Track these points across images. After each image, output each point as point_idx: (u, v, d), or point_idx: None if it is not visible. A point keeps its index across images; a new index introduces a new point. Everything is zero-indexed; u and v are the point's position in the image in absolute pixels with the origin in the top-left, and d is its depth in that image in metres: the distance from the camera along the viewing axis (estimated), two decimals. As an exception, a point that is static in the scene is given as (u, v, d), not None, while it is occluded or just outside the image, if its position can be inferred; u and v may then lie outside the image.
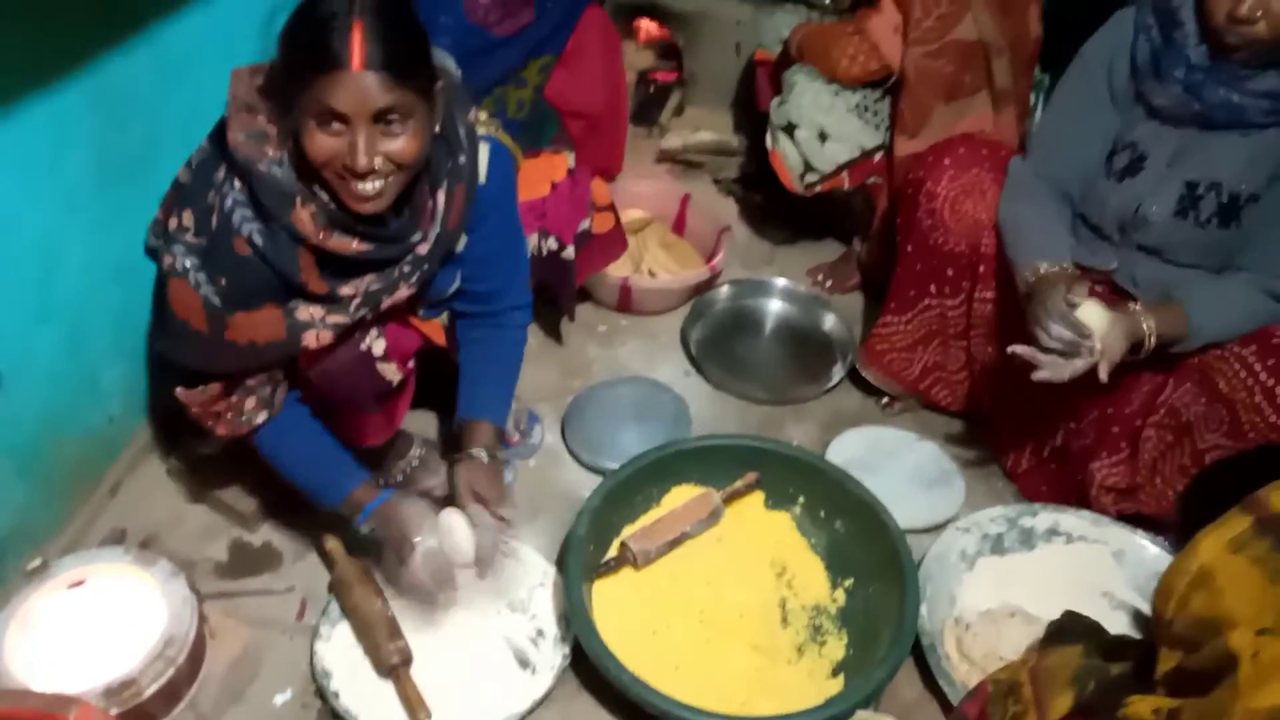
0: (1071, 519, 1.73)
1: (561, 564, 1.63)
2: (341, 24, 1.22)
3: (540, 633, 1.59)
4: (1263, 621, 0.80)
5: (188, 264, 1.34)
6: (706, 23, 2.68)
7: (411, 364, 1.60)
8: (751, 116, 2.48)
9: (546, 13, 2.07)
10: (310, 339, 1.40)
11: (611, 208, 2.03)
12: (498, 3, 1.98)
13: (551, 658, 1.55)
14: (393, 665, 1.49)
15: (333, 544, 1.65)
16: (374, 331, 1.50)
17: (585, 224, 1.93)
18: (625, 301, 2.24)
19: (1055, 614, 1.49)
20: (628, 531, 1.69)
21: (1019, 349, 1.58)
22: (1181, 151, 1.62)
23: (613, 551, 1.68)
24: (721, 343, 2.22)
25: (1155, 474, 1.73)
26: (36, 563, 1.52)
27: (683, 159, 2.69)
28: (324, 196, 1.33)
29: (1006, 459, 1.93)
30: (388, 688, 1.50)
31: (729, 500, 1.74)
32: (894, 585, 1.57)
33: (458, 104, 1.44)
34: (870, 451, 1.94)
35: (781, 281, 2.34)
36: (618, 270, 2.27)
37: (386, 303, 1.45)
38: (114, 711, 1.36)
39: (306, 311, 1.39)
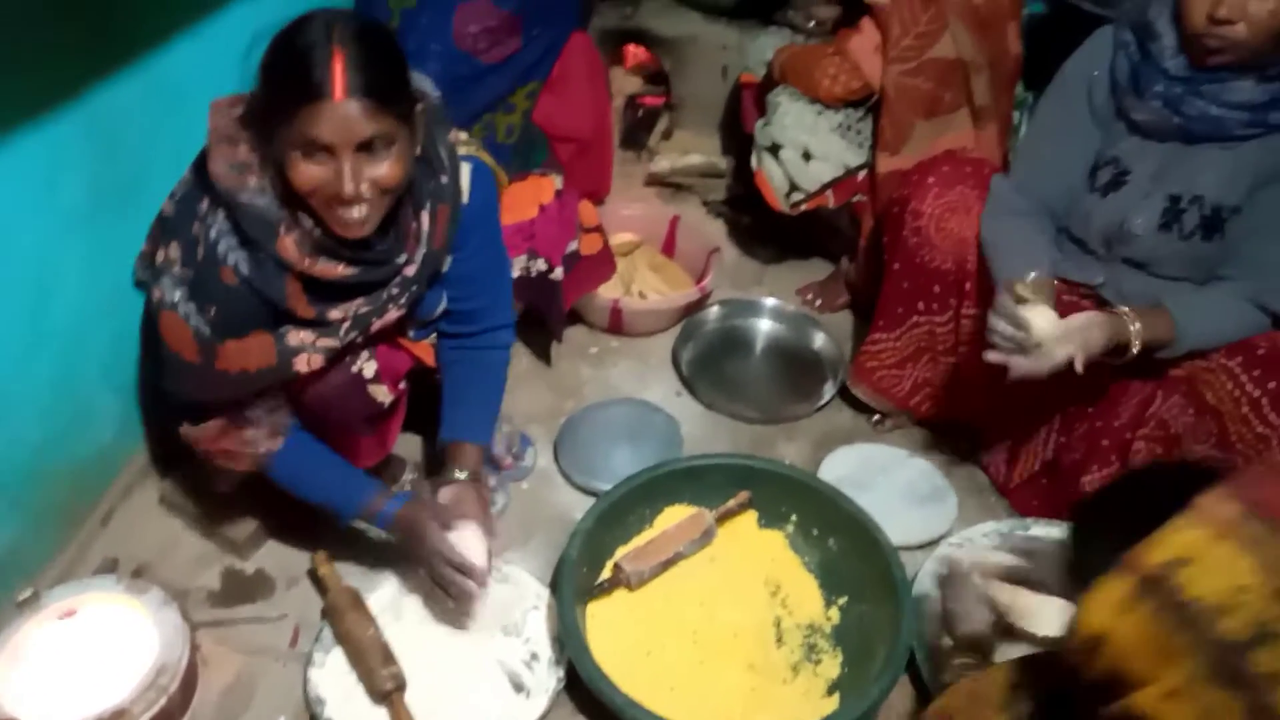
0: (1064, 533, 1.73)
1: (555, 586, 1.62)
2: (322, 54, 1.23)
3: (534, 656, 1.59)
4: (1167, 687, 0.79)
5: (176, 296, 1.35)
6: (693, 47, 2.71)
7: (403, 385, 1.61)
8: (739, 139, 2.51)
9: (533, 40, 2.10)
10: (301, 364, 1.40)
11: (599, 229, 2.04)
12: (486, 31, 2.01)
13: (546, 681, 1.55)
14: (387, 691, 1.48)
15: (325, 570, 1.64)
16: (365, 354, 1.51)
17: (573, 245, 1.94)
18: (616, 323, 2.25)
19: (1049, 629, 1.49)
20: (621, 553, 1.69)
21: (991, 354, 1.59)
22: (1164, 166, 1.63)
23: (606, 573, 1.68)
24: (712, 363, 2.23)
25: (1145, 486, 1.74)
26: (27, 593, 1.51)
27: (671, 182, 2.71)
28: (308, 223, 1.34)
29: (998, 474, 1.94)
30: (382, 714, 1.49)
31: (722, 520, 1.74)
32: (888, 603, 1.57)
33: (438, 125, 1.45)
34: (862, 469, 1.94)
35: (771, 301, 2.35)
36: (608, 292, 2.28)
37: (376, 325, 1.45)
38: (106, 742, 1.35)
39: (297, 336, 1.40)
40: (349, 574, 1.66)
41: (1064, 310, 1.60)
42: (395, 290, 1.45)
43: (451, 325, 1.65)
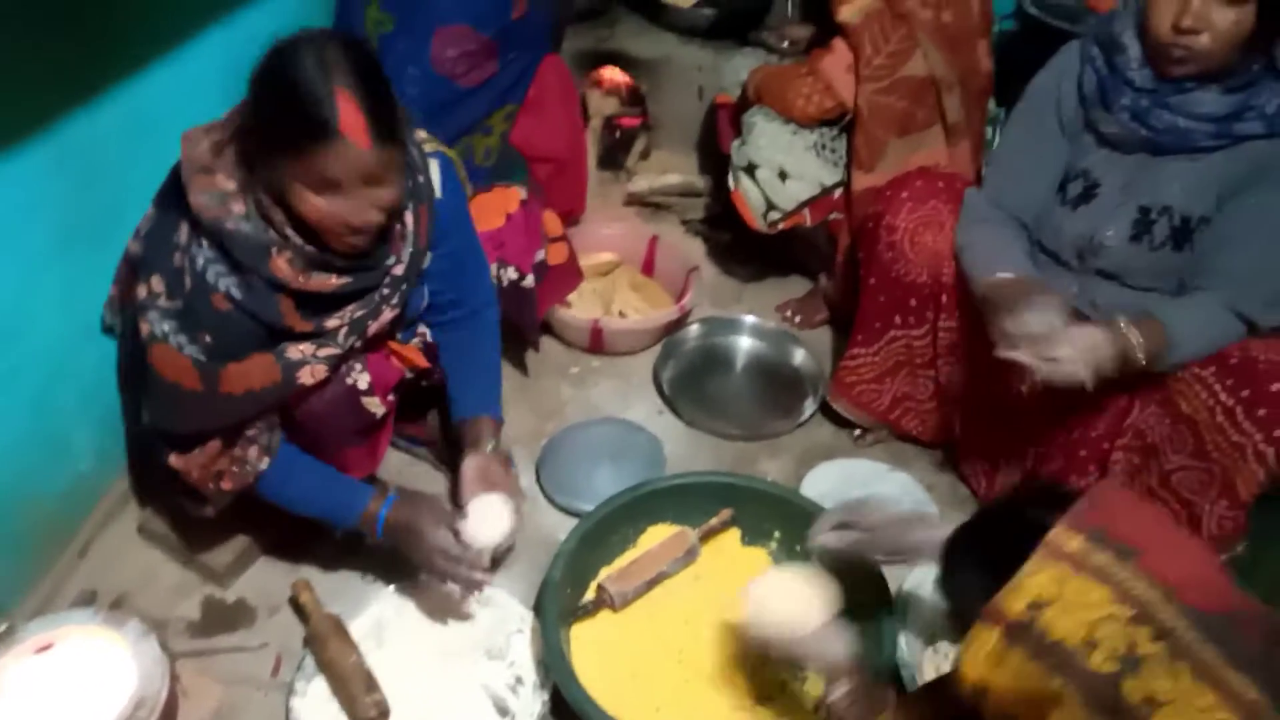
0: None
1: (539, 609, 1.61)
2: (326, 93, 1.25)
3: (519, 680, 1.58)
4: None
5: (166, 328, 1.36)
6: (668, 68, 2.73)
7: (392, 398, 1.62)
8: (716, 158, 2.52)
9: (510, 63, 2.11)
10: (305, 376, 1.42)
11: (564, 238, 2.08)
12: (464, 55, 2.02)
13: (531, 704, 1.54)
14: (370, 719, 1.47)
15: (306, 597, 1.63)
16: (358, 366, 1.53)
17: (541, 255, 1.97)
18: (597, 343, 2.25)
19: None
20: (604, 573, 1.69)
21: (1012, 354, 1.55)
22: (1133, 178, 1.65)
23: (590, 594, 1.67)
24: (693, 381, 2.24)
25: (1124, 496, 1.75)
26: (3, 627, 1.49)
27: (650, 201, 2.72)
28: (298, 241, 1.36)
29: (978, 486, 1.95)
30: (365, 741, 1.47)
31: (705, 538, 1.74)
32: (872, 618, 1.56)
33: (410, 127, 1.47)
34: (844, 484, 1.95)
35: (751, 318, 2.36)
36: (588, 312, 2.29)
37: (372, 328, 1.48)
38: (84, 777, 1.33)
39: (297, 350, 1.42)
40: (330, 601, 1.64)
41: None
42: (386, 290, 1.48)
43: (438, 315, 1.69)
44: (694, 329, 2.33)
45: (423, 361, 1.64)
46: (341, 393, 1.51)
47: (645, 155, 2.83)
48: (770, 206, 2.10)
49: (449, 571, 1.54)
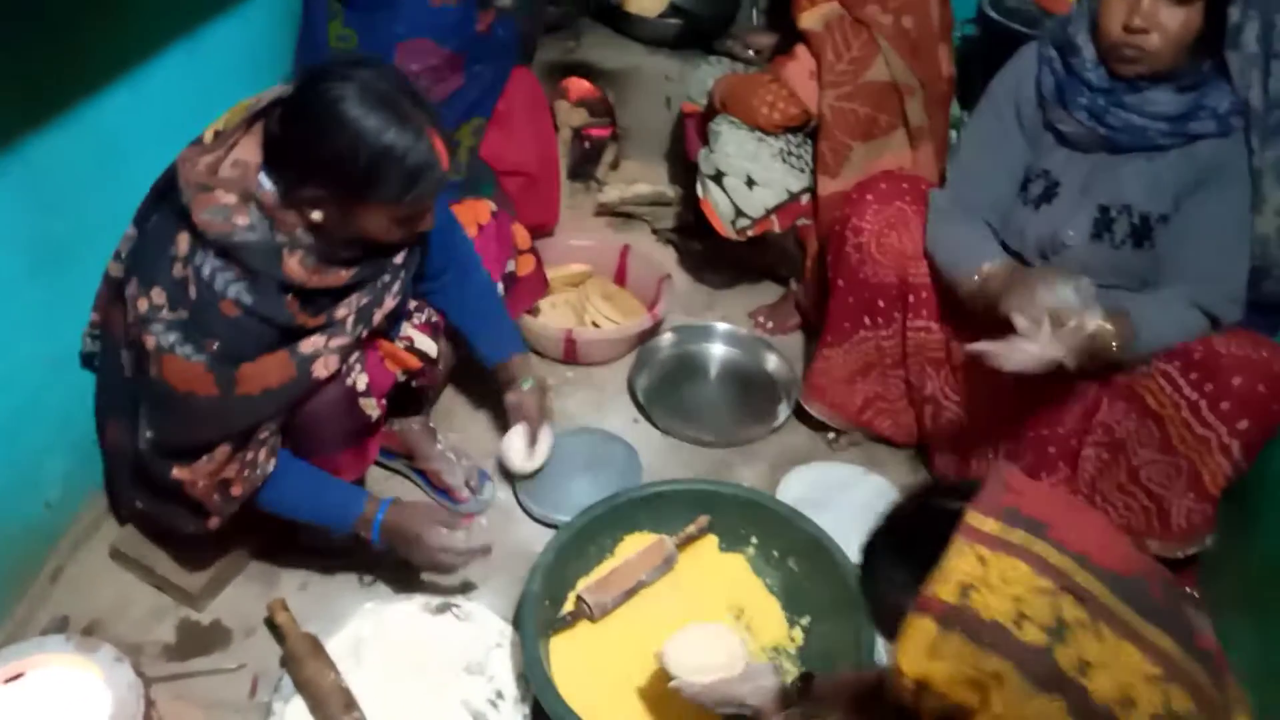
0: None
1: (517, 622, 1.61)
2: (425, 145, 1.37)
3: (499, 694, 1.57)
4: (994, 711, 0.82)
5: (171, 339, 1.38)
6: (636, 78, 2.74)
7: (384, 402, 1.63)
8: (685, 167, 2.54)
9: (475, 76, 2.11)
10: (320, 368, 1.47)
11: (533, 250, 2.10)
12: (428, 69, 2.02)
13: (511, 718, 1.53)
14: (349, 738, 1.46)
15: (283, 617, 1.62)
16: (357, 367, 1.56)
17: (510, 266, 2.00)
18: (570, 353, 2.26)
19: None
20: (583, 584, 1.69)
21: (979, 347, 1.56)
22: (1092, 177, 1.68)
23: (569, 606, 1.67)
24: (668, 389, 2.24)
25: (1095, 492, 1.77)
26: (-27, 658, 1.47)
27: (621, 211, 2.73)
28: (307, 240, 1.41)
29: (950, 486, 1.96)
30: (345, 761, 1.46)
31: (682, 545, 1.75)
32: (850, 621, 1.57)
33: None
34: (819, 488, 1.96)
35: (723, 326, 2.37)
36: (561, 322, 2.29)
37: (377, 315, 1.54)
38: (58, 807, 1.31)
39: (309, 344, 1.46)
40: (307, 620, 1.63)
41: None
42: (387, 278, 1.54)
43: (432, 282, 1.77)
44: (667, 337, 2.34)
45: (414, 363, 1.68)
46: (341, 394, 1.54)
47: (615, 165, 2.83)
48: (739, 214, 2.12)
49: (453, 566, 1.62)
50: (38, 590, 1.68)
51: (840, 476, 2.01)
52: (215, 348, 1.38)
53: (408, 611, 1.67)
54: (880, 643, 1.58)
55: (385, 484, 1.96)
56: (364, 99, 1.34)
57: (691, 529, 1.75)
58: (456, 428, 2.08)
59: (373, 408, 1.59)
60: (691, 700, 1.37)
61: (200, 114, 1.48)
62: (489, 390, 2.17)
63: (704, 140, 2.20)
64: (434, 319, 1.81)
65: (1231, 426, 1.58)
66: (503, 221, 1.99)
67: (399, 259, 1.55)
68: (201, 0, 1.80)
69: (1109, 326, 1.53)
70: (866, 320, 1.92)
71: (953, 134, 2.19)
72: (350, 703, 1.49)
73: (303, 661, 1.54)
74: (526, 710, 1.53)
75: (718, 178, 2.11)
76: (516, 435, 1.84)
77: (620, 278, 2.51)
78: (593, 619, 1.64)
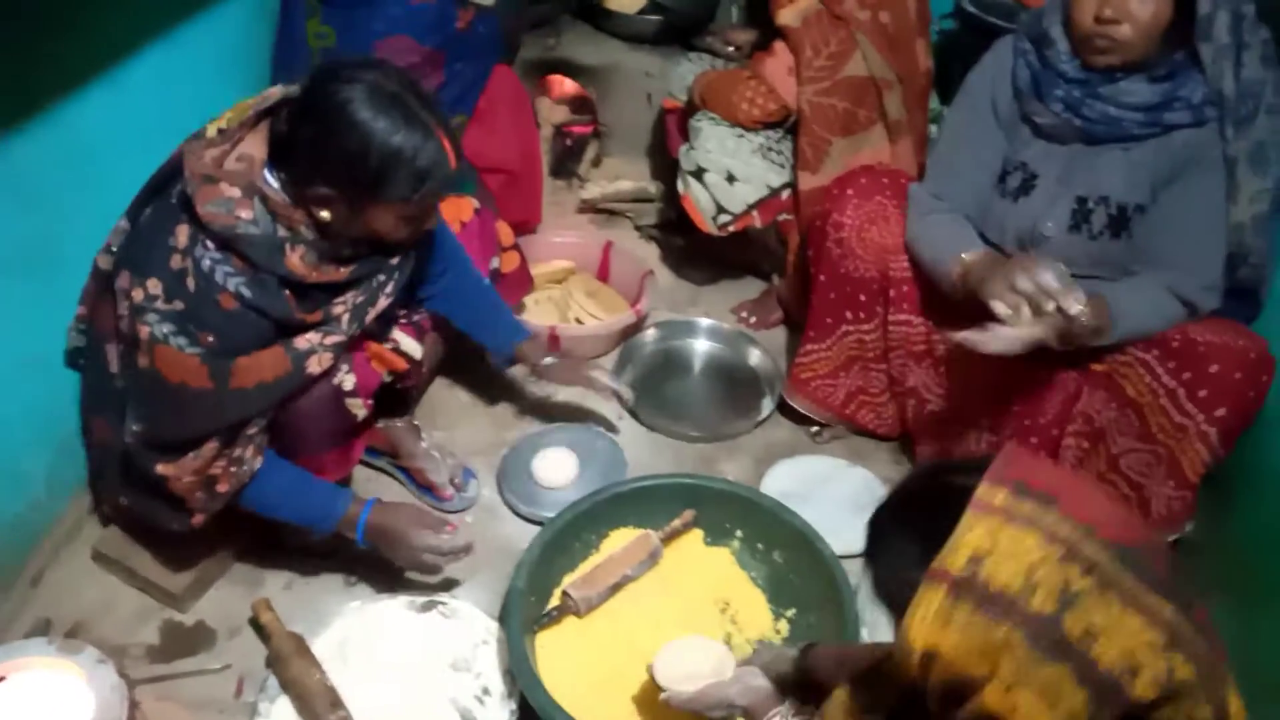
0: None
1: (503, 619, 1.61)
2: (435, 145, 1.39)
3: (486, 691, 1.57)
4: (1004, 679, 0.84)
5: (165, 330, 1.38)
6: (617, 75, 2.74)
7: (370, 402, 1.63)
8: (667, 163, 2.54)
9: (456, 75, 2.10)
10: (314, 364, 1.48)
11: (516, 247, 2.11)
12: (408, 67, 1.99)
13: (499, 715, 1.53)
14: (335, 736, 1.46)
15: (268, 617, 1.61)
16: (344, 367, 1.55)
17: (495, 263, 2.00)
18: (554, 349, 2.25)
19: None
20: (568, 580, 1.69)
21: (961, 335, 1.57)
22: (1069, 168, 1.69)
23: (554, 601, 1.67)
24: (652, 384, 2.25)
25: (1076, 481, 1.79)
26: (-46, 662, 1.46)
27: (603, 208, 2.73)
28: (310, 235, 1.43)
29: (933, 477, 1.97)
30: (331, 760, 1.46)
31: (668, 540, 1.75)
32: (834, 613, 1.58)
33: None
34: (803, 481, 1.97)
35: (707, 321, 2.38)
36: (545, 319, 2.29)
37: (371, 314, 1.54)
38: (42, 811, 1.31)
39: (305, 340, 1.47)
40: (292, 620, 1.63)
41: None
42: (383, 277, 1.55)
43: (430, 286, 1.79)
44: (651, 333, 2.34)
45: (400, 364, 1.68)
46: (328, 393, 1.54)
47: (597, 162, 2.83)
48: (720, 209, 2.12)
49: (436, 566, 1.63)
50: (19, 593, 1.67)
51: (824, 469, 2.02)
52: (210, 340, 1.38)
53: (393, 610, 1.67)
54: (864, 632, 1.59)
55: (370, 483, 1.95)
56: (373, 100, 1.35)
57: (677, 523, 1.76)
58: (441, 426, 2.08)
59: (359, 408, 1.59)
60: (682, 708, 1.38)
61: (179, 112, 1.47)
62: (475, 389, 2.18)
63: (685, 136, 2.20)
64: (418, 320, 1.80)
65: (1209, 414, 1.59)
66: (485, 219, 1.99)
67: (395, 259, 1.56)
68: (176, 0, 1.79)
69: (1087, 309, 1.54)
70: (848, 315, 1.93)
71: (931, 128, 2.20)
72: (336, 701, 1.49)
73: (288, 661, 1.53)
74: (513, 706, 1.53)
75: (699, 174, 2.12)
76: (549, 462, 1.95)
77: (603, 274, 2.51)
78: (579, 614, 1.65)
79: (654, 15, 2.73)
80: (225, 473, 1.49)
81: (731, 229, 2.15)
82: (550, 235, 2.52)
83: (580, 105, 2.79)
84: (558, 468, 1.94)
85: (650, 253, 2.64)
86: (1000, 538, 0.86)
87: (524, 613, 1.57)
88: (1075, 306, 1.52)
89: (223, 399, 1.41)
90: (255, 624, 1.64)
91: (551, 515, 1.74)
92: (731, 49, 2.51)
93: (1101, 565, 0.85)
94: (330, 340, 1.49)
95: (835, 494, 1.94)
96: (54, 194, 1.57)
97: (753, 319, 2.42)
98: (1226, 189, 1.63)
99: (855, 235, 1.85)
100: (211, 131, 1.41)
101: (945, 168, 1.82)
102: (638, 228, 2.71)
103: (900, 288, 1.85)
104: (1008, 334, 1.54)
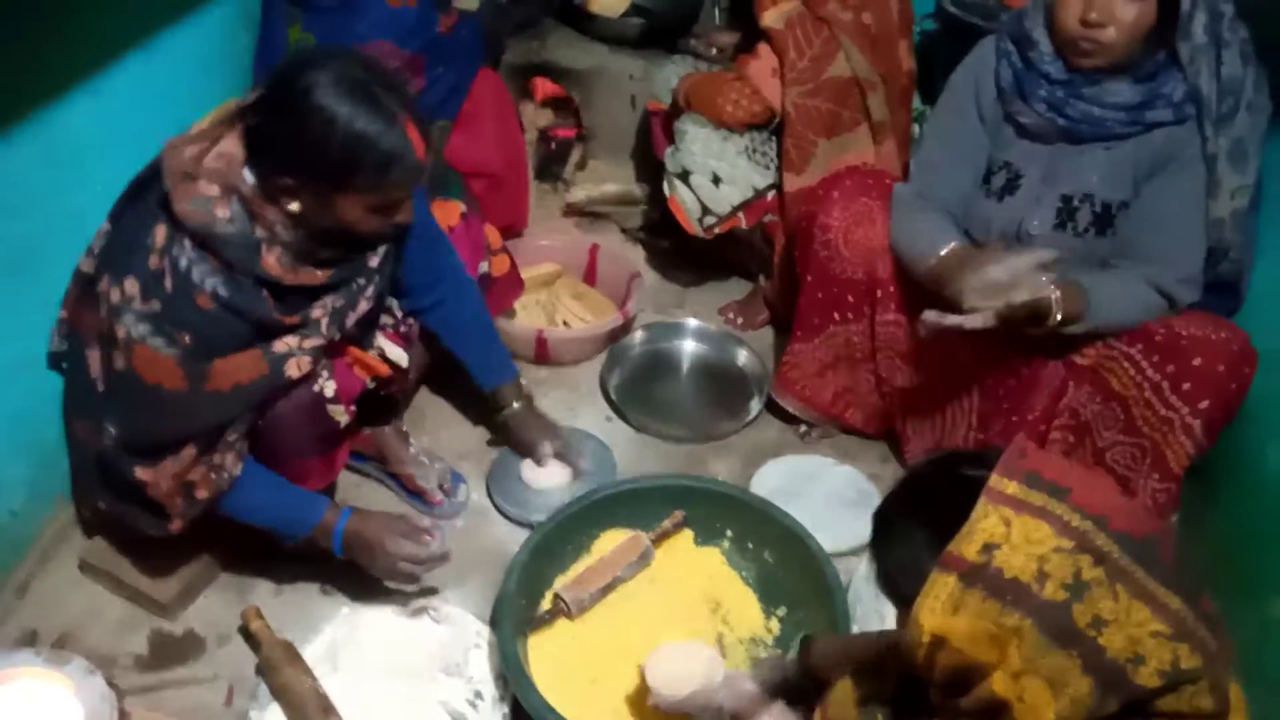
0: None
1: (495, 622, 1.61)
2: (399, 133, 1.35)
3: (478, 695, 1.57)
4: (1012, 666, 0.85)
5: (142, 330, 1.36)
6: (601, 78, 2.74)
7: (353, 408, 1.62)
8: (652, 165, 2.54)
9: (438, 79, 2.10)
10: (292, 368, 1.46)
11: (505, 250, 2.10)
12: (387, 70, 2.01)
13: (491, 718, 1.53)
14: (327, 743, 1.45)
15: (257, 625, 1.60)
16: (325, 373, 1.54)
17: (484, 267, 2.00)
18: (542, 353, 2.25)
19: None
20: (559, 582, 1.69)
21: (929, 315, 1.58)
22: (1053, 167, 1.71)
23: (546, 604, 1.67)
24: (640, 386, 2.25)
25: (1063, 476, 1.80)
26: (-61, 675, 1.45)
27: (589, 211, 2.73)
28: (286, 236, 1.40)
29: (922, 474, 1.98)
30: (324, 767, 1.45)
31: (658, 540, 1.75)
32: (824, 610, 1.59)
33: None
34: (792, 480, 1.97)
35: (694, 322, 2.38)
36: (532, 323, 2.29)
37: (350, 318, 1.53)
38: (31, 824, 1.29)
39: (283, 343, 1.45)
40: (282, 627, 1.62)
41: None
42: (362, 280, 1.53)
43: (423, 299, 1.78)
44: (638, 335, 2.35)
45: (384, 370, 1.66)
46: (307, 399, 1.53)
47: (582, 165, 2.83)
48: (705, 211, 2.13)
49: (413, 576, 1.61)
50: (5, 604, 1.66)
51: (812, 468, 2.02)
52: (187, 340, 1.37)
53: (384, 615, 1.66)
54: (854, 628, 1.59)
55: (358, 489, 1.95)
56: (336, 87, 1.33)
57: (667, 524, 1.76)
58: (429, 430, 2.07)
59: (340, 414, 1.58)
60: (672, 711, 1.38)
61: (162, 118, 1.46)
62: (462, 393, 2.17)
63: (670, 139, 2.21)
64: (404, 328, 1.79)
65: (1193, 406, 1.61)
66: (473, 223, 1.99)
67: (374, 263, 1.55)
68: (158, 7, 1.79)
69: (1057, 293, 1.55)
70: (835, 315, 1.94)
71: (915, 128, 2.22)
72: (328, 708, 1.48)
73: (279, 668, 1.53)
74: (506, 710, 1.53)
75: (684, 176, 2.12)
76: (533, 465, 1.94)
77: (590, 277, 2.51)
78: (570, 616, 1.64)
79: (637, 19, 2.73)
80: (204, 479, 1.47)
81: (717, 230, 2.16)
82: (536, 239, 2.52)
83: (564, 108, 2.79)
84: (547, 471, 1.94)
85: (636, 255, 2.64)
86: (1013, 527, 0.87)
87: (515, 615, 1.56)
88: (1043, 289, 1.53)
89: (198, 401, 1.40)
90: (245, 632, 1.63)
91: (541, 518, 1.74)
92: (715, 51, 2.52)
93: (1112, 556, 0.86)
94: (309, 344, 1.47)
95: (824, 492, 1.95)
96: (37, 198, 1.56)
97: (740, 320, 2.42)
98: (1207, 185, 1.65)
99: (842, 237, 1.85)
100: (194, 130, 1.41)
101: (929, 167, 1.83)
102: (624, 230, 2.72)
103: (887, 288, 1.86)
104: (975, 317, 1.55)
